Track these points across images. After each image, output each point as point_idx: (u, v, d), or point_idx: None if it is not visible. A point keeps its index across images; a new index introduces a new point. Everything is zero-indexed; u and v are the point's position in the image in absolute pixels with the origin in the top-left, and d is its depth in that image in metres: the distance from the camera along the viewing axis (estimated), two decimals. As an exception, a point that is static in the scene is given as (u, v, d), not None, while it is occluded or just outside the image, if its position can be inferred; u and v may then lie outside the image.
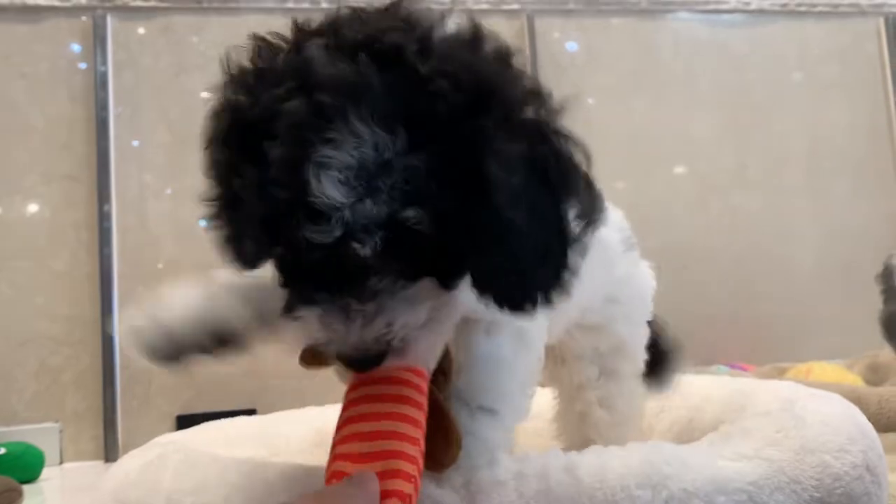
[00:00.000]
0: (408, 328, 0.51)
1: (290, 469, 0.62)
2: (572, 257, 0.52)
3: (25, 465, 1.48)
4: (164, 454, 0.69)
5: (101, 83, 1.78)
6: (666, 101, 2.09)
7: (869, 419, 0.81)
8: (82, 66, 1.80)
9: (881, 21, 2.23)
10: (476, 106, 0.49)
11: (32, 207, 1.75)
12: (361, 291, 0.49)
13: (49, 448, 1.61)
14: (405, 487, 0.49)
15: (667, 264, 1.98)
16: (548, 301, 0.52)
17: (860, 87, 2.22)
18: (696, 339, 2.01)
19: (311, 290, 0.51)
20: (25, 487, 1.34)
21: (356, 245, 0.47)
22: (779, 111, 2.15)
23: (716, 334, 2.02)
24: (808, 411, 0.68)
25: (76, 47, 1.80)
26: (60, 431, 1.69)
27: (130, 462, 0.72)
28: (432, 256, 0.50)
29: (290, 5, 1.89)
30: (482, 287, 0.51)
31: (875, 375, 1.68)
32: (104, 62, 1.79)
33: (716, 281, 2.05)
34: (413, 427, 0.52)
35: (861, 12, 2.22)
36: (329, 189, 0.46)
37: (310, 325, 0.51)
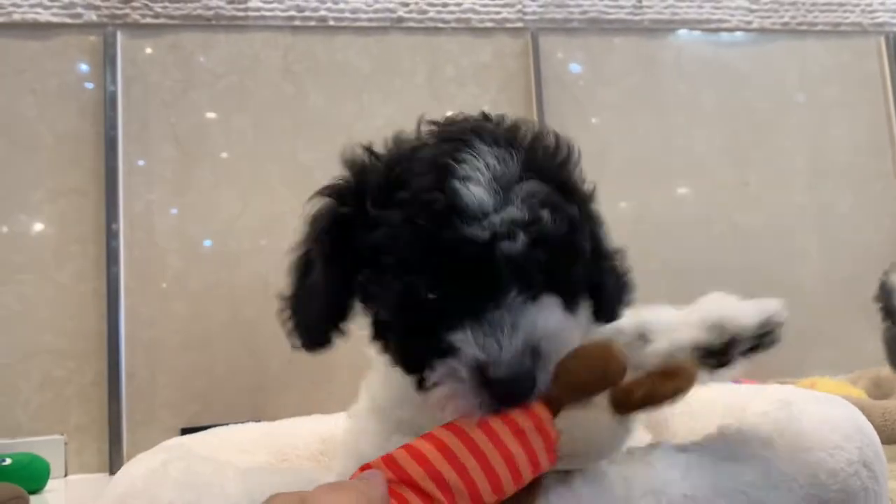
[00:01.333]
0: (551, 332, 0.54)
1: (291, 477, 0.63)
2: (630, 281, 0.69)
3: (31, 476, 1.49)
4: (168, 461, 0.70)
5: (110, 102, 1.81)
6: (668, 119, 2.10)
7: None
8: (89, 85, 1.82)
9: (882, 40, 2.25)
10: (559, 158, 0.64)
11: (40, 222, 1.77)
12: (506, 300, 0.53)
13: (54, 460, 1.62)
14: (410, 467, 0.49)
15: (669, 281, 2.00)
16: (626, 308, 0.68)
17: (862, 105, 2.23)
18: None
19: (459, 313, 0.54)
20: (31, 498, 1.34)
21: (506, 243, 0.53)
22: (781, 129, 2.17)
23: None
24: (805, 411, 0.69)
25: (85, 67, 1.82)
26: (65, 444, 1.70)
27: (136, 468, 0.72)
28: (560, 272, 0.57)
29: (298, 24, 1.92)
30: (598, 305, 0.65)
31: (879, 390, 1.67)
32: (113, 82, 1.81)
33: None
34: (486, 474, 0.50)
35: (863, 31, 2.24)
36: (477, 193, 0.54)
37: (466, 348, 0.52)
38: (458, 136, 0.60)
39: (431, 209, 0.54)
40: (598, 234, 0.66)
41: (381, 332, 0.62)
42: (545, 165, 0.61)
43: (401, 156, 0.62)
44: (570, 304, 0.58)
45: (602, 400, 0.56)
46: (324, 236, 0.66)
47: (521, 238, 0.54)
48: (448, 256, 0.54)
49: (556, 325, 0.55)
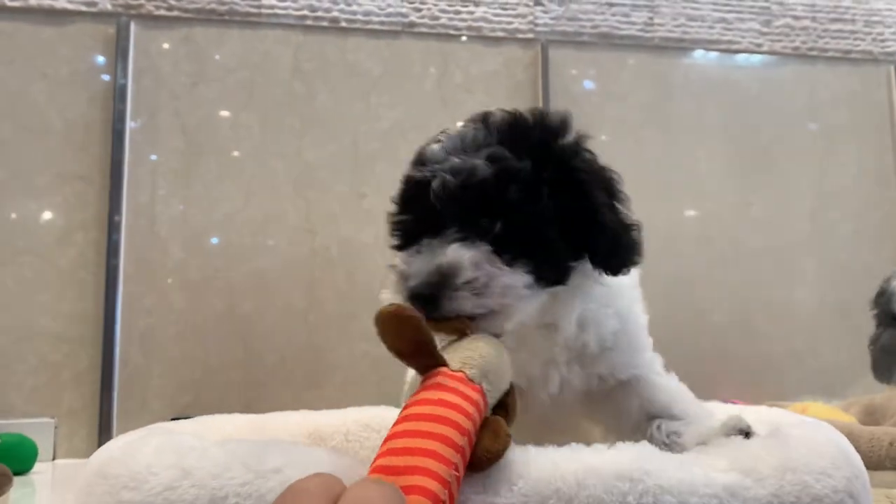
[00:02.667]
0: (457, 261, 0.67)
1: (276, 447, 0.63)
2: (637, 235, 0.78)
3: (18, 456, 1.49)
4: (149, 434, 0.71)
5: (119, 94, 1.82)
6: (675, 137, 2.11)
7: (860, 457, 0.81)
8: (105, 77, 1.83)
9: (892, 69, 2.25)
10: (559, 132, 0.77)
11: (44, 206, 1.78)
12: (444, 233, 0.68)
13: (43, 443, 1.62)
14: (431, 485, 0.50)
15: (670, 296, 2.00)
16: (635, 264, 0.78)
17: (868, 133, 2.24)
18: (694, 374, 2.02)
19: (405, 235, 0.73)
20: (16, 478, 1.34)
21: (437, 182, 0.69)
22: (786, 152, 2.17)
23: (713, 369, 2.02)
24: (793, 435, 0.69)
25: (98, 56, 1.83)
26: (56, 427, 1.70)
27: (116, 442, 0.73)
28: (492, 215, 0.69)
29: (310, 23, 1.93)
30: (598, 258, 0.74)
31: (870, 418, 1.67)
32: (124, 75, 1.83)
33: (716, 316, 2.06)
34: (447, 447, 0.53)
35: (873, 59, 2.25)
36: (435, 148, 0.73)
37: (399, 264, 0.69)
38: (472, 119, 0.77)
39: (413, 161, 0.76)
40: (588, 196, 0.73)
41: None
42: (523, 136, 0.74)
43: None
44: (518, 256, 0.69)
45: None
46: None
47: (448, 178, 0.69)
48: (406, 190, 0.74)
49: (472, 261, 0.67)
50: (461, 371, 0.60)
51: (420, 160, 0.74)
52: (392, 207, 0.77)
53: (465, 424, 0.55)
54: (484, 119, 0.75)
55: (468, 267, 0.66)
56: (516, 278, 0.69)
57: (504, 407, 0.64)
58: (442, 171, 0.69)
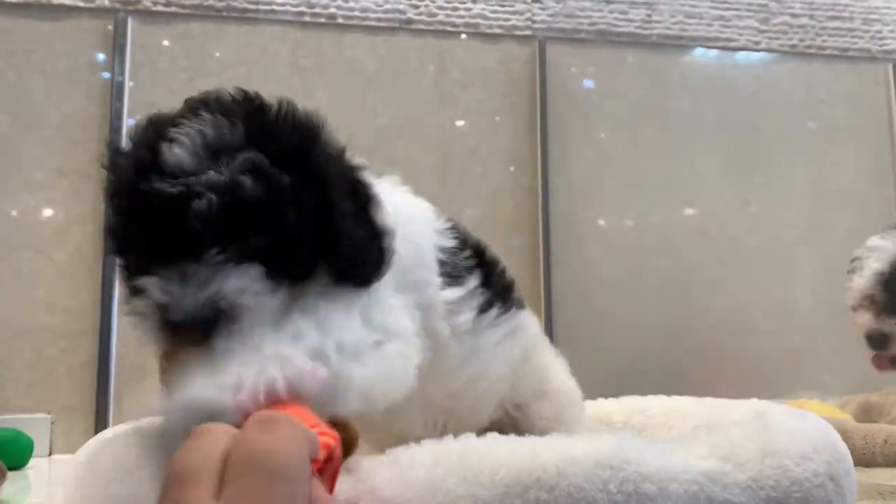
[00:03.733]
0: (238, 295, 0.60)
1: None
2: (388, 243, 0.68)
3: (14, 452, 1.49)
4: (139, 426, 0.71)
5: (117, 90, 1.82)
6: (672, 135, 2.11)
7: (854, 454, 0.82)
8: (104, 75, 1.83)
9: (889, 67, 2.25)
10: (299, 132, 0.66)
11: (41, 201, 1.78)
12: (198, 258, 0.59)
13: (39, 439, 1.62)
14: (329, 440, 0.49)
15: (667, 294, 2.00)
16: (381, 275, 0.67)
17: (866, 131, 2.23)
18: (691, 372, 2.03)
19: (152, 256, 0.61)
20: (11, 473, 1.35)
21: (197, 202, 0.58)
22: (784, 150, 2.17)
23: (710, 367, 2.02)
24: (776, 421, 0.69)
25: (95, 51, 1.84)
26: (52, 423, 1.70)
27: (106, 433, 0.73)
28: (265, 235, 0.62)
29: (307, 19, 1.93)
30: (340, 270, 0.66)
31: (866, 416, 1.67)
32: (122, 71, 1.83)
33: (713, 314, 2.06)
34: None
35: (871, 57, 2.25)
36: (179, 153, 0.60)
37: (151, 292, 0.59)
38: (191, 106, 0.65)
39: (137, 165, 0.62)
40: (336, 202, 0.66)
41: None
42: (272, 136, 0.64)
43: (148, 121, 0.67)
44: (274, 271, 0.62)
45: None
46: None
47: (212, 198, 0.58)
48: (141, 206, 0.61)
49: (245, 289, 0.60)
50: None
51: (159, 166, 0.60)
52: (112, 216, 0.65)
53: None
54: (220, 109, 0.64)
55: (250, 294, 0.60)
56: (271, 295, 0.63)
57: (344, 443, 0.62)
58: (199, 186, 0.59)
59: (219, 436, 0.43)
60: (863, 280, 1.38)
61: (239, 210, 0.60)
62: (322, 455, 0.46)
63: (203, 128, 0.61)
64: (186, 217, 0.58)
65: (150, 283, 0.60)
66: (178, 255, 0.59)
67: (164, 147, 0.60)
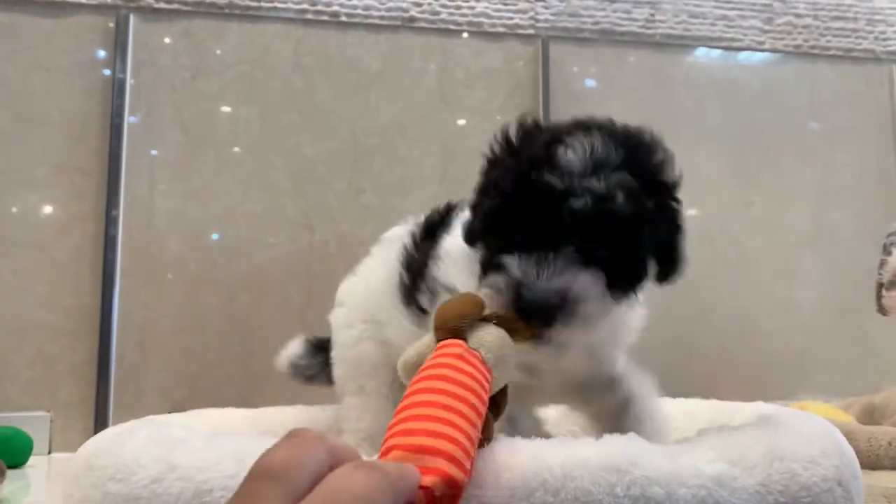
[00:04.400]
0: (582, 292, 0.67)
1: (260, 441, 0.62)
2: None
3: (13, 450, 1.48)
4: (137, 426, 0.70)
5: (118, 89, 1.81)
6: (675, 135, 2.09)
7: (859, 457, 0.81)
8: (105, 71, 1.83)
9: (894, 68, 2.24)
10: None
11: (41, 197, 1.77)
12: (556, 249, 0.67)
13: (39, 437, 1.62)
14: (446, 467, 0.48)
15: (669, 294, 1.99)
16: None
17: (869, 132, 2.23)
18: (694, 373, 2.02)
19: (521, 238, 0.69)
20: (11, 472, 1.34)
21: (576, 199, 0.67)
22: (787, 150, 2.16)
23: (713, 368, 2.01)
24: (784, 424, 0.69)
25: (97, 48, 1.83)
26: (51, 421, 1.70)
27: (105, 433, 0.73)
28: (618, 249, 0.70)
29: (310, 17, 1.92)
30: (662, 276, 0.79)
31: (870, 418, 1.66)
32: (123, 68, 1.82)
33: (717, 315, 2.05)
34: (465, 424, 0.52)
35: (875, 58, 2.24)
36: (571, 157, 0.69)
37: (511, 269, 0.67)
38: (582, 124, 0.76)
39: (534, 159, 0.71)
40: (671, 230, 0.78)
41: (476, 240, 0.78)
42: (644, 165, 0.74)
43: (536, 125, 0.80)
44: (614, 283, 0.71)
45: None
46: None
47: (589, 201, 0.67)
48: (525, 194, 0.70)
49: (590, 291, 0.68)
50: (479, 351, 0.60)
51: (551, 163, 0.69)
52: (492, 193, 0.75)
53: (478, 406, 0.55)
54: (607, 131, 0.74)
55: (590, 298, 0.68)
56: (612, 305, 0.72)
57: (495, 403, 0.62)
58: (582, 188, 0.68)
59: (311, 443, 0.43)
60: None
61: (607, 219, 0.68)
62: (420, 496, 0.45)
63: (594, 142, 0.70)
64: (562, 211, 0.67)
65: (511, 261, 0.67)
66: (541, 243, 0.68)
67: (560, 149, 0.70)
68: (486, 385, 0.58)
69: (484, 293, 0.68)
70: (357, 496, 0.39)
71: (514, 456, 0.57)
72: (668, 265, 0.78)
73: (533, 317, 0.66)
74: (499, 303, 0.66)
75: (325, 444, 0.43)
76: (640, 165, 0.73)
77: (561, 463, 0.57)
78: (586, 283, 0.67)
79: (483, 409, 0.55)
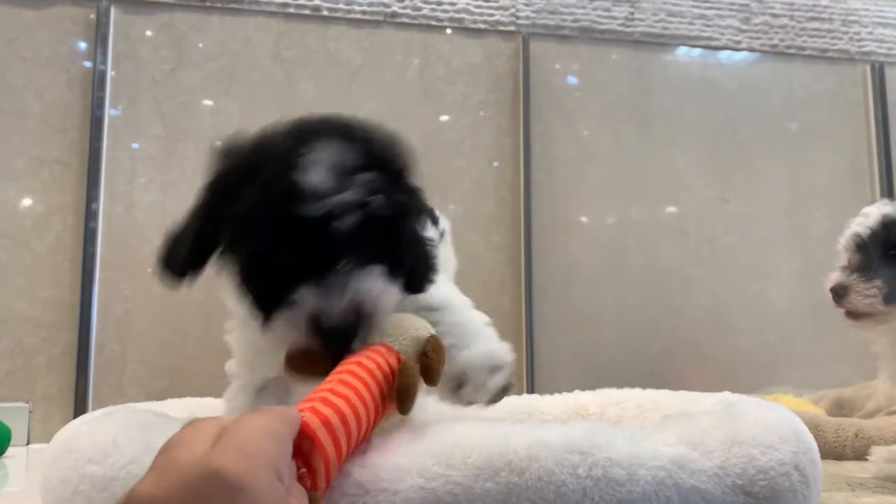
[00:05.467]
0: (372, 296, 0.69)
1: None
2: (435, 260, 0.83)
3: (-9, 440, 1.49)
4: (113, 411, 0.71)
5: (99, 81, 1.81)
6: (653, 133, 2.13)
7: (826, 447, 0.83)
8: (86, 62, 1.82)
9: (868, 68, 2.28)
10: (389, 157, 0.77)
11: (21, 190, 1.77)
12: (340, 267, 0.67)
13: (17, 428, 1.62)
14: (323, 409, 0.56)
15: (644, 290, 2.02)
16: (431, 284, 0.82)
17: (844, 132, 2.26)
18: (668, 367, 2.05)
19: (298, 272, 0.67)
20: (-11, 462, 1.35)
21: (338, 222, 0.66)
22: (763, 149, 2.20)
23: (687, 362, 2.04)
24: (744, 412, 0.71)
25: (80, 44, 1.83)
26: (30, 412, 1.70)
27: (83, 418, 0.74)
28: (385, 247, 0.72)
29: (291, 11, 1.93)
30: (410, 279, 0.77)
31: (840, 411, 1.69)
32: (104, 61, 1.82)
33: (691, 311, 2.08)
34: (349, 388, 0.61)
35: (850, 59, 2.28)
36: (317, 178, 0.67)
37: (307, 304, 0.66)
38: (309, 130, 0.74)
39: (279, 191, 0.68)
40: (418, 222, 0.83)
41: (241, 287, 0.76)
42: (382, 159, 0.74)
43: (259, 145, 0.77)
44: (392, 274, 0.72)
45: None
46: (205, 206, 0.81)
47: (352, 218, 0.67)
48: (289, 230, 0.67)
49: (377, 291, 0.69)
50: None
51: (293, 193, 0.67)
52: (252, 243, 0.72)
53: (369, 368, 0.64)
54: (336, 134, 0.73)
55: (382, 300, 0.70)
56: (393, 294, 0.74)
57: (426, 355, 0.70)
58: (337, 207, 0.67)
59: (211, 424, 0.50)
60: (842, 241, 1.44)
61: (369, 225, 0.68)
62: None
63: (329, 152, 0.69)
64: (327, 235, 0.67)
65: (304, 295, 0.67)
66: (317, 269, 0.67)
67: (299, 173, 0.67)
68: (380, 353, 0.67)
69: (279, 334, 0.70)
70: (259, 426, 0.48)
71: (480, 437, 0.59)
72: (423, 260, 0.82)
73: (334, 343, 0.67)
74: (299, 338, 0.68)
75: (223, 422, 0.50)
76: (378, 160, 0.74)
77: (526, 444, 0.59)
78: (370, 282, 0.69)
79: (377, 372, 0.64)
